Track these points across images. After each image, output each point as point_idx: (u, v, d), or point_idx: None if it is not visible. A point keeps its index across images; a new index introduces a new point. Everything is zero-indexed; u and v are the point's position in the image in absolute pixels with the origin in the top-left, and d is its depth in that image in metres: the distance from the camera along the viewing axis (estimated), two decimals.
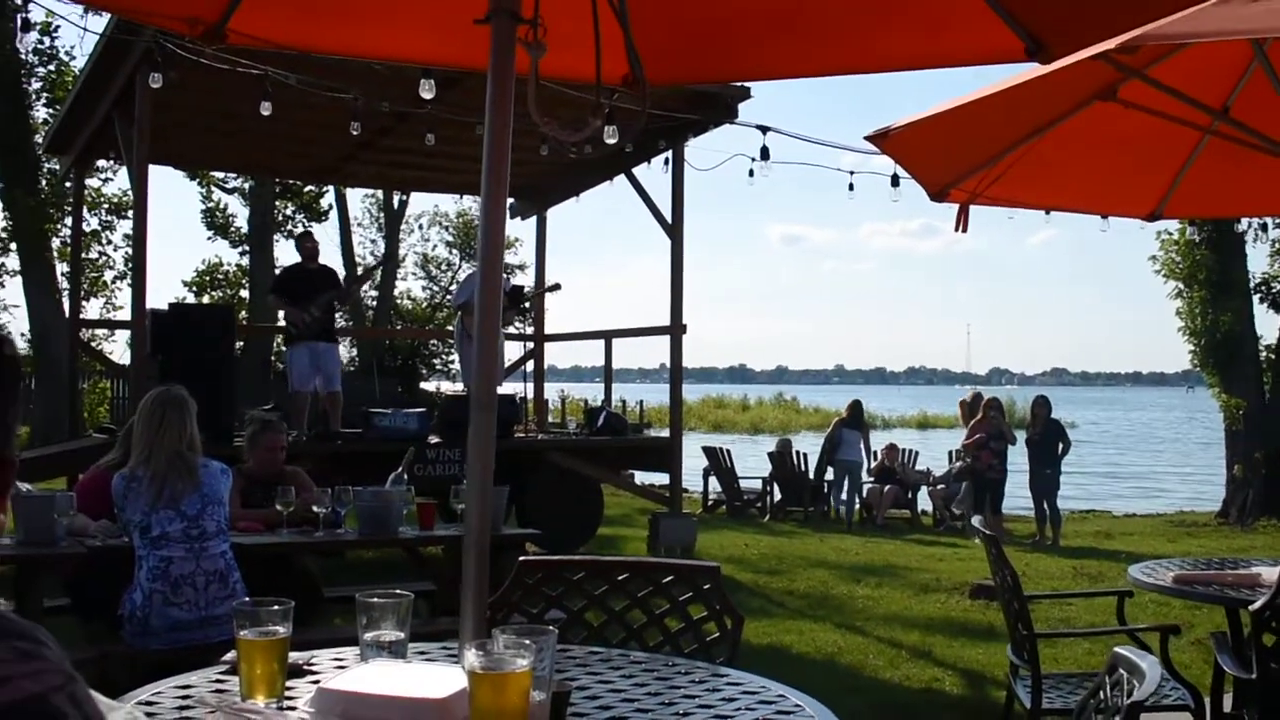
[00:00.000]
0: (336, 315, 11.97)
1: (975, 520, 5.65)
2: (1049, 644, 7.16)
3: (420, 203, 38.45)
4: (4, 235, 25.56)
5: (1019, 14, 2.87)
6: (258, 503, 6.35)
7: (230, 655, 2.50)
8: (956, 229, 5.31)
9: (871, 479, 16.91)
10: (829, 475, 17.09)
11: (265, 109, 9.67)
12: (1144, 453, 40.84)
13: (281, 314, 12.25)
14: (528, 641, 1.95)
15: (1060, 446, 14.76)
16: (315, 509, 6.08)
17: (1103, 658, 7.33)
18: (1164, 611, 8.28)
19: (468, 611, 2.40)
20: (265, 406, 10.01)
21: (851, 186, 12.16)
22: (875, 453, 17.35)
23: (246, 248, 28.52)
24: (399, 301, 36.30)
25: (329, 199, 30.31)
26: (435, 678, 2.22)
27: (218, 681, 2.47)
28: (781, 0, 3.27)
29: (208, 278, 29.72)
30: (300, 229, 28.50)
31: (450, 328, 27.78)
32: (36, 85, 24.02)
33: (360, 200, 36.82)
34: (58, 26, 24.08)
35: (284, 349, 12.06)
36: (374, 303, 34.11)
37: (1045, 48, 2.93)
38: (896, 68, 3.37)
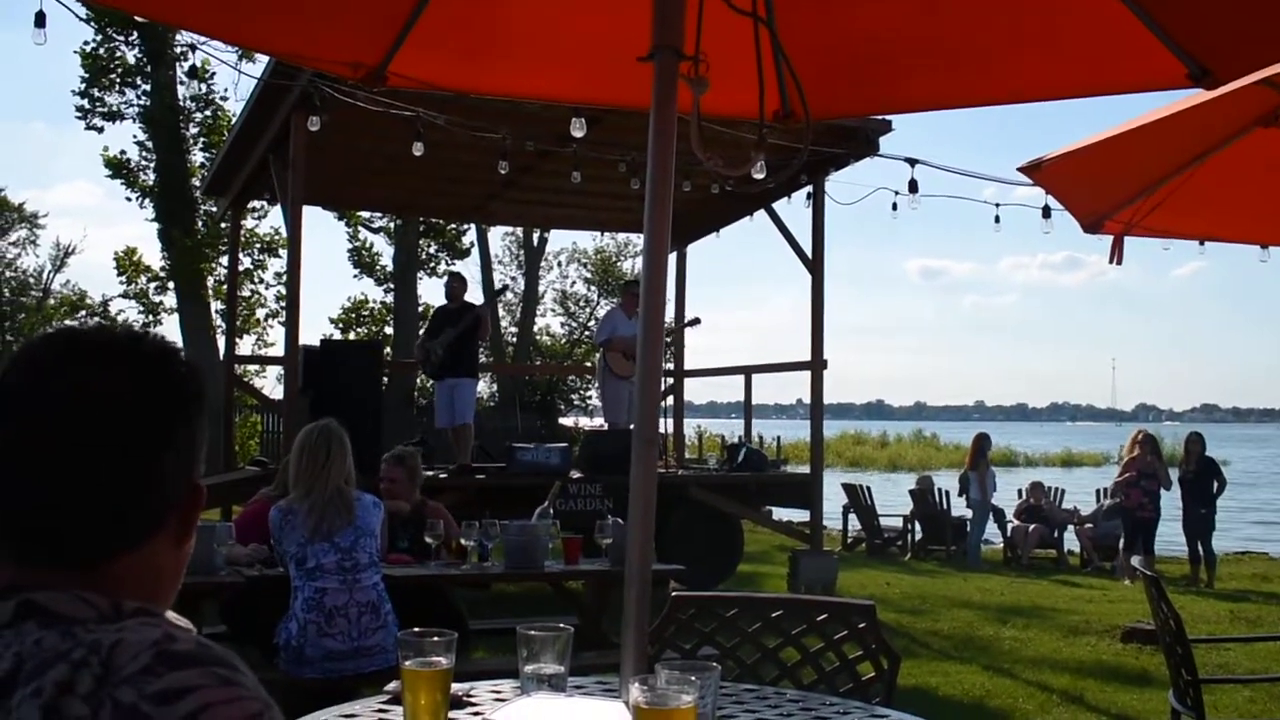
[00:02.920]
0: (479, 350, 12.14)
1: (1135, 560, 5.49)
2: (1208, 690, 6.88)
3: (559, 240, 38.88)
4: (162, 274, 26.56)
5: (1182, 39, 2.79)
6: (393, 537, 6.43)
7: (393, 685, 2.54)
8: (1111, 261, 5.18)
9: (1014, 519, 16.59)
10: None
11: (418, 149, 9.88)
12: None
13: None
14: (692, 678, 1.94)
15: (1215, 485, 14.27)
16: (464, 542, 6.16)
17: (1266, 705, 7.08)
18: None
19: (629, 646, 2.40)
20: (412, 440, 10.18)
21: (998, 219, 11.96)
22: (1019, 490, 16.99)
23: (391, 285, 29.18)
24: (538, 338, 36.74)
25: (470, 237, 30.87)
26: (597, 712, 2.22)
27: (380, 711, 2.51)
28: (932, 32, 3.23)
29: (354, 314, 30.44)
30: (443, 266, 29.11)
31: (589, 364, 27.96)
32: (194, 130, 24.96)
33: (501, 238, 37.45)
34: (213, 73, 25.06)
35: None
36: (514, 339, 34.58)
37: (1210, 73, 2.85)
38: (1051, 97, 3.30)
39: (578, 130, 7.76)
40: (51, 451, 1.21)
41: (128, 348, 1.29)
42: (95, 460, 1.22)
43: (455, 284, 12.31)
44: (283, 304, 18.78)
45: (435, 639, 2.29)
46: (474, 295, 12.19)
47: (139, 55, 23.90)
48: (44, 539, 1.21)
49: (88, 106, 24.29)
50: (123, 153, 25.12)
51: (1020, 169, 4.70)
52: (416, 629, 2.31)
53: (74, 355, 1.27)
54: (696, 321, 14.78)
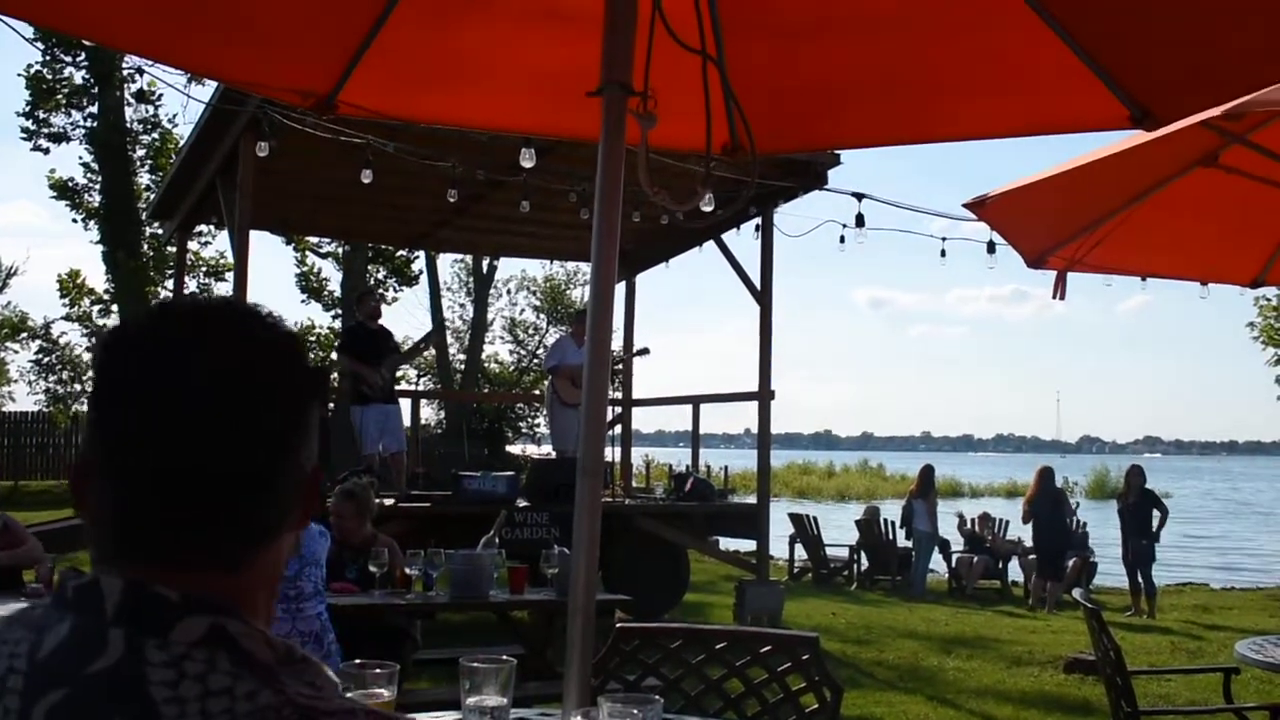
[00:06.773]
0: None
1: (1076, 593, 5.54)
2: None
3: (508, 267, 38.79)
4: (106, 297, 26.27)
5: (1124, 81, 2.84)
6: (341, 566, 6.37)
7: None
8: (1054, 296, 5.26)
9: (963, 548, 16.72)
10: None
11: (366, 177, 9.84)
12: (1243, 524, 39.70)
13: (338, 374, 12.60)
14: (635, 710, 1.94)
15: (1155, 517, 14.45)
16: (407, 570, 6.13)
17: None
18: (1269, 690, 8.03)
19: (572, 678, 2.39)
20: (359, 469, 10.10)
21: (944, 253, 12.11)
22: (969, 520, 17.08)
23: (339, 311, 29.00)
24: (486, 365, 36.59)
25: (420, 263, 30.75)
26: None
27: None
28: (879, 69, 3.26)
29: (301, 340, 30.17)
30: (392, 292, 28.96)
31: (537, 391, 27.85)
32: (141, 153, 24.77)
33: (450, 265, 37.32)
34: (160, 95, 24.87)
35: (355, 409, 12.10)
36: (462, 366, 34.43)
37: (1151, 115, 2.90)
38: (997, 135, 3.34)
39: (527, 161, 7.78)
40: (205, 441, 1.11)
41: (258, 323, 1.19)
42: (251, 449, 1.13)
43: (371, 301, 12.35)
44: None
45: (377, 670, 2.27)
46: (424, 321, 12.16)
47: (86, 77, 23.71)
48: (200, 537, 1.12)
49: (33, 127, 24.05)
50: (70, 178, 24.94)
51: (966, 205, 4.76)
52: (358, 660, 2.29)
53: (211, 331, 1.16)
54: (645, 351, 14.78)
